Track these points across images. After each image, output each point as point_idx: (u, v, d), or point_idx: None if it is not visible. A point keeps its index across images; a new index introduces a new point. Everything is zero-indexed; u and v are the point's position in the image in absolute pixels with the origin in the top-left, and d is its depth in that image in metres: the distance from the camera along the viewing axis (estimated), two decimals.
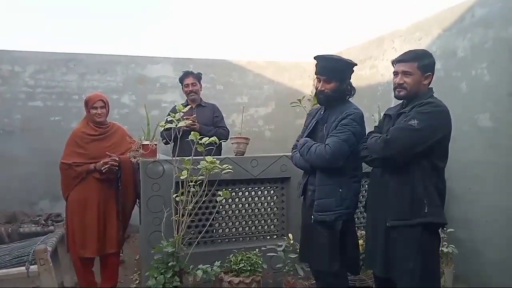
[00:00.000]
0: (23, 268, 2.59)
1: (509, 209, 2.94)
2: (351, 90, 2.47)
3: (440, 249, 2.46)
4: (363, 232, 3.17)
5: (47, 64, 5.14)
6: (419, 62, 2.12)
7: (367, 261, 2.35)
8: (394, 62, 2.25)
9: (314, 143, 2.39)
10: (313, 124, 2.53)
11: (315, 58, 2.46)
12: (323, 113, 2.51)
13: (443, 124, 2.06)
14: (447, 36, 3.65)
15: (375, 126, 2.44)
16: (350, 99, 2.51)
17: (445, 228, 2.16)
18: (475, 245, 3.07)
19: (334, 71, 2.39)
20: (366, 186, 3.58)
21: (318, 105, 2.67)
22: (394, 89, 2.21)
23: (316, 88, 2.47)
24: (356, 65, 2.46)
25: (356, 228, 2.64)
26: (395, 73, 2.21)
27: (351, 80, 2.48)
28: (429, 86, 2.20)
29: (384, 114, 2.39)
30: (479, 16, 3.31)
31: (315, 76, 2.49)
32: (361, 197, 3.57)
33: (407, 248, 2.06)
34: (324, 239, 2.34)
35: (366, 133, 2.39)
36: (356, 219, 3.15)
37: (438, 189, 2.09)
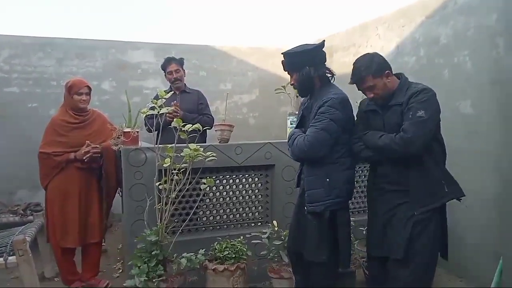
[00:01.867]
0: (1, 259, 2.51)
1: (488, 195, 3.01)
2: (321, 74, 2.38)
3: None
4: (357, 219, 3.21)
5: (23, 48, 4.95)
6: (369, 72, 2.18)
7: (373, 246, 2.35)
8: (352, 84, 2.31)
9: (299, 134, 2.37)
10: (301, 114, 2.52)
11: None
12: (308, 101, 2.49)
13: (438, 105, 2.17)
14: (430, 23, 3.66)
15: (359, 123, 2.39)
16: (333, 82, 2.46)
17: (460, 199, 2.24)
18: (456, 229, 3.14)
19: (290, 64, 2.41)
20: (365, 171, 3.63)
21: (283, 93, 2.73)
22: (372, 101, 2.31)
23: None
24: (320, 47, 2.38)
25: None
26: (361, 91, 2.30)
27: (325, 63, 2.41)
28: (396, 73, 2.28)
29: (365, 111, 2.38)
30: (462, 4, 3.32)
31: None
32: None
33: (429, 230, 2.15)
34: (313, 229, 2.33)
35: (353, 117, 2.39)
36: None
37: (444, 162, 2.25)
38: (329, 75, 2.44)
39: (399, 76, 2.28)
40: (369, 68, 2.18)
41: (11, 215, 4.02)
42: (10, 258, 2.53)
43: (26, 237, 2.64)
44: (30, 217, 3.85)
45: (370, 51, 4.61)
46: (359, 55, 2.35)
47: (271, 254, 2.87)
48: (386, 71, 2.20)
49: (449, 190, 2.17)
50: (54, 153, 3.03)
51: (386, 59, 2.28)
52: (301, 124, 2.52)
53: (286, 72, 2.47)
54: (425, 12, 3.72)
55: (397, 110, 2.19)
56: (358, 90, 2.31)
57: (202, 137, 3.42)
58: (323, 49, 2.43)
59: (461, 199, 2.24)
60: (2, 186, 4.73)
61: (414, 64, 3.86)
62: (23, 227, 3.12)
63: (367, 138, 2.27)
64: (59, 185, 3.07)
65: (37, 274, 2.72)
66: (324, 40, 2.45)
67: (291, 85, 2.49)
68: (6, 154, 4.77)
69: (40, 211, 3.91)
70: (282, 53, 2.44)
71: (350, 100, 2.37)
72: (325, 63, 2.43)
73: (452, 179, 2.23)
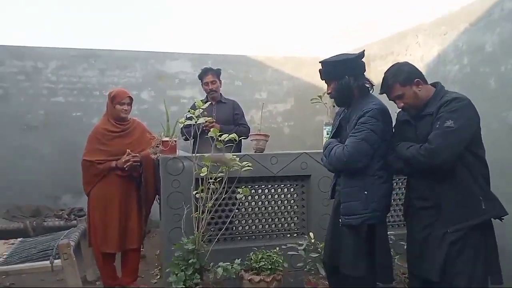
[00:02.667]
0: (48, 262, 2.64)
1: None
2: (360, 84, 2.34)
3: None
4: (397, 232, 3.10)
5: (69, 60, 5.21)
6: (398, 81, 2.12)
7: (413, 265, 2.25)
8: (382, 94, 2.26)
9: (336, 144, 2.33)
10: (337, 124, 2.48)
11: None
12: (346, 111, 2.45)
13: (474, 115, 2.03)
14: (474, 30, 3.53)
15: (394, 134, 2.31)
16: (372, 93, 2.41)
17: (502, 219, 2.06)
18: (505, 242, 2.97)
19: (328, 73, 2.37)
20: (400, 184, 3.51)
21: (319, 103, 2.68)
22: (404, 111, 2.24)
23: None
24: (360, 56, 2.35)
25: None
26: (392, 100, 2.23)
27: (364, 73, 2.38)
28: (432, 83, 2.18)
29: (401, 121, 2.30)
30: (509, 10, 3.18)
31: None
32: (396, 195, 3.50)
33: (468, 250, 2.01)
34: (350, 241, 2.27)
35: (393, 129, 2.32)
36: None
37: (486, 178, 2.07)
38: (368, 85, 2.39)
39: (435, 85, 2.19)
40: (397, 76, 2.13)
41: (56, 219, 4.22)
42: (55, 261, 2.64)
43: (71, 242, 2.76)
44: (74, 222, 4.03)
45: (410, 59, 4.52)
46: None
47: (307, 267, 2.83)
48: (416, 80, 2.11)
49: (487, 207, 2.00)
50: (97, 161, 3.15)
51: (427, 67, 2.25)
52: (337, 134, 2.48)
53: (324, 81, 2.43)
54: (469, 19, 3.59)
55: (428, 120, 2.09)
56: (389, 100, 2.24)
57: (237, 147, 3.44)
58: (362, 59, 2.39)
59: (503, 219, 2.06)
60: (48, 191, 4.97)
61: (457, 73, 3.72)
62: (67, 231, 3.27)
63: (397, 149, 2.19)
64: (100, 192, 3.17)
65: (80, 277, 2.83)
66: (364, 50, 2.41)
67: (328, 94, 2.45)
68: (52, 160, 5.02)
69: (83, 216, 4.08)
70: (320, 62, 2.41)
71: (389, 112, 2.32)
72: (364, 73, 2.40)
73: (492, 196, 2.06)
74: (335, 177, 2.49)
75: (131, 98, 3.26)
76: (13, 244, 3.13)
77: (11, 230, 3.96)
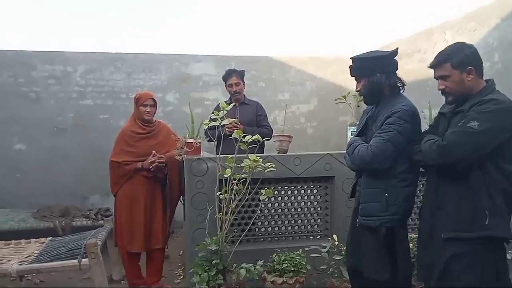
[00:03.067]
0: (76, 260, 2.71)
1: None
2: (392, 83, 2.26)
3: None
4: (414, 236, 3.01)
5: (96, 64, 5.35)
6: (451, 61, 1.91)
7: (420, 273, 2.17)
8: (430, 67, 2.07)
9: (360, 143, 2.27)
10: (364, 122, 2.42)
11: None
12: (373, 110, 2.38)
13: (509, 123, 1.80)
14: (506, 25, 3.39)
15: (429, 125, 2.24)
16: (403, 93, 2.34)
17: (509, 242, 1.88)
18: None
19: (360, 69, 2.29)
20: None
21: (342, 103, 2.57)
22: (442, 94, 2.04)
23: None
24: (394, 54, 2.28)
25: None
26: (436, 79, 2.03)
27: (396, 72, 2.30)
28: (487, 79, 1.96)
29: (438, 112, 2.20)
30: None
31: None
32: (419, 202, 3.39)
33: (465, 263, 1.85)
34: (369, 244, 2.22)
35: (422, 130, 2.23)
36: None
37: (507, 196, 1.85)
38: (399, 85, 2.31)
39: (488, 81, 1.98)
40: (452, 55, 1.92)
41: (84, 219, 4.34)
42: (83, 260, 2.71)
43: (98, 241, 2.82)
44: (101, 222, 4.12)
45: None
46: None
47: (331, 269, 2.80)
48: (469, 67, 1.89)
49: (490, 223, 1.80)
50: (123, 162, 3.22)
51: None
52: (362, 133, 2.41)
53: (353, 77, 2.35)
54: (500, 14, 3.45)
55: (461, 117, 1.91)
56: (434, 78, 2.06)
57: (261, 148, 3.44)
58: (395, 57, 2.32)
59: (510, 241, 1.86)
60: (76, 191, 5.13)
61: (488, 70, 3.55)
62: (94, 231, 3.35)
63: (422, 142, 2.07)
64: (127, 192, 3.24)
65: (106, 276, 2.89)
66: (397, 48, 2.33)
67: (357, 91, 2.37)
68: (80, 161, 5.17)
69: (109, 216, 4.17)
70: (351, 58, 2.34)
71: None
72: (397, 71, 2.32)
73: (503, 215, 1.84)
74: (356, 177, 2.42)
75: (154, 100, 3.32)
76: (43, 243, 3.23)
77: (41, 230, 4.09)
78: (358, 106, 3.27)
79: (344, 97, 3.20)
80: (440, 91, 2.01)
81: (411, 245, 2.79)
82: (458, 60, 1.90)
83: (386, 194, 2.16)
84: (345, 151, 2.44)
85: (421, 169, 2.24)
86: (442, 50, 1.99)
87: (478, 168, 1.84)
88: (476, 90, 1.92)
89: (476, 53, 1.95)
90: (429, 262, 2.00)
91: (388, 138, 2.13)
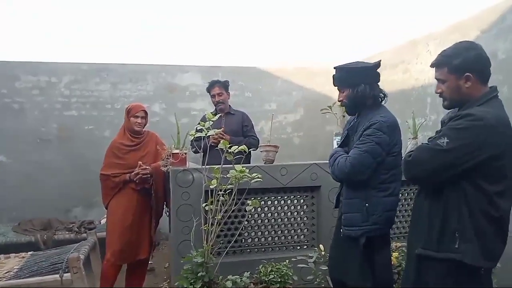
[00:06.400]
0: (57, 275, 2.63)
1: None
2: (375, 94, 2.28)
3: None
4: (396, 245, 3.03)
5: (82, 74, 5.30)
6: (449, 65, 1.75)
7: (402, 284, 2.15)
8: (431, 67, 1.97)
9: (340, 154, 2.29)
10: (345, 134, 2.46)
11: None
12: (355, 120, 2.42)
13: (486, 142, 1.62)
14: (486, 38, 3.48)
15: (436, 131, 2.01)
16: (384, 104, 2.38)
17: (482, 270, 1.69)
18: None
19: (344, 79, 2.32)
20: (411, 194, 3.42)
21: (329, 113, 2.61)
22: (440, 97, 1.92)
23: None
24: (377, 66, 2.31)
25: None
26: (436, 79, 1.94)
27: (378, 84, 2.33)
28: (491, 86, 1.78)
29: (440, 121, 2.06)
30: None
31: None
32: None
33: (436, 283, 1.74)
34: (352, 254, 2.24)
35: (402, 140, 2.26)
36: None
37: (490, 220, 1.67)
38: (382, 95, 2.34)
39: (490, 90, 1.79)
40: (451, 59, 1.75)
41: (66, 233, 4.25)
42: (65, 275, 2.63)
43: (80, 255, 2.75)
44: (84, 235, 4.03)
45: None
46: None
47: (317, 280, 2.78)
48: (467, 74, 1.72)
49: (460, 248, 1.65)
50: (113, 175, 3.21)
51: None
52: (345, 143, 2.45)
53: (336, 87, 2.38)
54: (480, 26, 3.54)
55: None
56: (435, 78, 1.93)
57: (247, 158, 3.42)
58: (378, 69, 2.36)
59: (482, 270, 1.68)
60: (59, 204, 5.02)
61: None
62: (77, 244, 3.26)
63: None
64: (117, 204, 3.24)
65: None
66: (380, 60, 2.36)
67: (339, 101, 2.40)
68: (64, 173, 5.09)
69: (93, 228, 4.09)
70: (335, 67, 2.36)
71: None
72: (378, 83, 2.35)
73: (474, 240, 1.65)
74: (340, 187, 2.45)
75: (145, 112, 3.36)
76: (24, 257, 3.14)
77: (22, 244, 3.99)
78: (344, 116, 3.29)
79: (330, 107, 3.21)
80: (437, 93, 1.90)
81: (396, 254, 2.82)
82: (455, 65, 1.74)
83: (367, 204, 2.18)
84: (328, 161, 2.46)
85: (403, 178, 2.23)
86: (445, 49, 1.83)
87: (452, 187, 1.70)
88: (474, 96, 1.75)
89: (480, 56, 1.75)
90: (407, 275, 1.96)
91: (366, 149, 2.15)
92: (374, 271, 2.21)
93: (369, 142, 2.16)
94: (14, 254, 3.23)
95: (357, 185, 2.22)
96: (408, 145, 3.11)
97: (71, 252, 2.85)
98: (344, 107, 2.47)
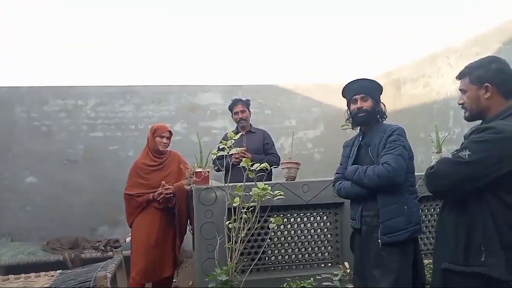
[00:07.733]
0: None
1: None
2: (383, 112, 2.51)
3: None
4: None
5: (107, 97, 5.48)
6: (470, 75, 1.80)
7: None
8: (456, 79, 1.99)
9: (368, 167, 2.33)
10: (356, 151, 2.50)
11: (349, 83, 2.54)
12: (362, 138, 2.50)
13: (507, 155, 1.61)
14: (508, 49, 3.44)
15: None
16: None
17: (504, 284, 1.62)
18: None
19: (370, 89, 2.49)
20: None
21: (349, 129, 2.66)
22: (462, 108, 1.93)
23: (352, 111, 2.51)
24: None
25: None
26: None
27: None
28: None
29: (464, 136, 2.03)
30: None
31: (348, 100, 2.57)
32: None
33: None
34: (394, 264, 2.23)
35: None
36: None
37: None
38: (381, 113, 2.52)
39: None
40: (474, 70, 1.80)
41: (93, 251, 4.32)
42: None
43: (107, 273, 2.80)
44: (110, 253, 4.10)
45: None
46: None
47: None
48: (486, 84, 1.74)
49: (487, 262, 1.62)
50: (137, 194, 3.29)
51: None
52: (357, 161, 2.49)
53: (356, 94, 2.47)
54: (502, 38, 3.51)
55: None
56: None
57: (269, 176, 3.44)
58: None
59: (511, 283, 1.61)
60: (85, 222, 5.13)
61: None
62: (104, 263, 3.32)
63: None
64: (140, 224, 3.31)
65: None
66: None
67: (358, 108, 2.46)
68: (90, 192, 5.21)
69: (118, 247, 4.16)
70: (356, 80, 2.53)
71: None
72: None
73: (500, 253, 1.61)
74: (358, 204, 2.44)
75: (171, 133, 3.45)
76: (53, 276, 3.21)
77: (51, 262, 4.08)
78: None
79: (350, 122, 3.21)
80: (460, 105, 1.91)
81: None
82: (476, 76, 1.78)
83: (405, 207, 2.28)
84: (335, 184, 2.57)
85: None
86: (471, 62, 1.87)
87: (476, 200, 1.68)
88: (494, 111, 1.76)
89: (501, 69, 1.76)
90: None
91: (398, 153, 2.27)
92: (418, 270, 2.32)
93: (397, 146, 2.28)
94: (43, 272, 3.31)
95: (393, 191, 2.29)
96: (432, 159, 3.07)
97: (98, 271, 2.91)
98: (352, 120, 2.53)
